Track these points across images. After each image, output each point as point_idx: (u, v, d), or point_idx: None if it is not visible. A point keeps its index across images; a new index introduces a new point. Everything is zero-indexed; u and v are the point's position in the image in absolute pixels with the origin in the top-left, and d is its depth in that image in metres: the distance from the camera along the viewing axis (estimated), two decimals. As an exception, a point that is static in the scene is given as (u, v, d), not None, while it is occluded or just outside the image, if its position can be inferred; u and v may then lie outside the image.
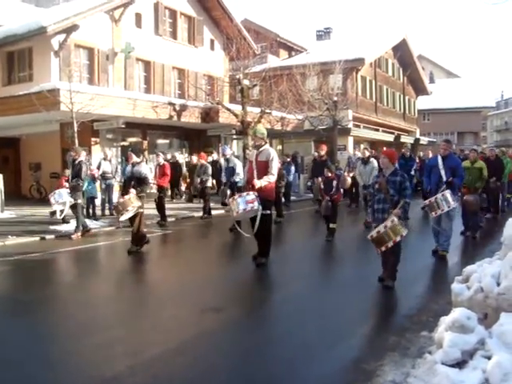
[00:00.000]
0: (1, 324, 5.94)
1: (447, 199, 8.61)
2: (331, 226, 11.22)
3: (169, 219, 14.62)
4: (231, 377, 4.35)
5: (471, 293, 4.92)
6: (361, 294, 6.79)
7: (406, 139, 37.54)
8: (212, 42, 27.91)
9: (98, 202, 15.81)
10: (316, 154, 16.36)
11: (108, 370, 4.46)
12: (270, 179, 8.36)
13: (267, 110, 23.11)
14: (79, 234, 12.08)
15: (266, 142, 8.68)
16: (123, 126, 19.53)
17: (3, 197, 16.18)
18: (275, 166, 8.48)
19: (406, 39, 38.16)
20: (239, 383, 4.22)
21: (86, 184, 15.23)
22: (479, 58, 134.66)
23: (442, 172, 9.04)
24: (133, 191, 9.84)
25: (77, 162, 12.19)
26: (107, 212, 16.05)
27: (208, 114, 22.85)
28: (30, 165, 22.19)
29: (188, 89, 25.25)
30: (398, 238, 6.58)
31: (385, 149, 15.90)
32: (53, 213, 13.89)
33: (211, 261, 9.82)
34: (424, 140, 42.22)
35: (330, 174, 11.49)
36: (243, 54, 23.41)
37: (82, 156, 12.38)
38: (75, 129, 15.54)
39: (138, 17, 23.49)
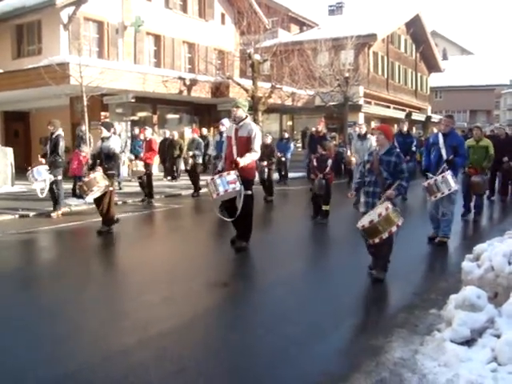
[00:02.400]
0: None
1: (447, 181, 7.93)
2: (324, 207, 10.51)
3: (156, 196, 14.07)
4: (239, 351, 4.37)
5: (482, 271, 4.89)
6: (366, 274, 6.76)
7: (418, 116, 37.26)
8: (223, 15, 27.60)
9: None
10: (314, 129, 15.76)
11: (117, 343, 4.48)
12: (253, 157, 7.71)
13: (278, 86, 22.94)
14: (60, 212, 11.49)
15: (247, 116, 7.85)
16: (133, 101, 19.46)
17: (13, 170, 16.26)
18: (258, 142, 7.74)
19: (419, 15, 37.56)
20: (248, 358, 4.23)
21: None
22: (494, 35, 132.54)
23: (443, 151, 8.29)
24: (99, 169, 9.23)
25: (54, 136, 11.28)
26: (116, 187, 16.07)
27: (218, 89, 22.72)
28: (40, 139, 22.18)
29: (198, 63, 25.05)
30: (394, 229, 5.80)
31: (373, 124, 15.37)
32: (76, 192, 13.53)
33: (210, 238, 9.78)
34: (435, 118, 41.79)
35: (323, 152, 10.74)
36: (254, 29, 23.18)
37: (60, 130, 11.45)
38: (85, 103, 15.48)
39: (149, -11, 23.24)
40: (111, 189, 9.46)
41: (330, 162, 10.65)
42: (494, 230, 9.35)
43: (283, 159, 18.84)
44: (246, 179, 7.51)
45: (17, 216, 11.39)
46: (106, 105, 19.97)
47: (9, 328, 4.88)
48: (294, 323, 4.93)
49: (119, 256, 8.23)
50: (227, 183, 7.20)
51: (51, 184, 11.26)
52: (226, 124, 13.44)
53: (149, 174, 13.55)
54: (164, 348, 4.37)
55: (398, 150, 6.47)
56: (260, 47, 22.96)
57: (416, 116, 36.17)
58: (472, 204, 10.93)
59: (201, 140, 15.46)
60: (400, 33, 37.59)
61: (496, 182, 14.03)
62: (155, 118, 22.97)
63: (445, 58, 56.42)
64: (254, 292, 6.08)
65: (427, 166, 8.70)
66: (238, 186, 7.28)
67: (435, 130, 17.97)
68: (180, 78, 21.23)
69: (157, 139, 15.40)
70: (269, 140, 14.65)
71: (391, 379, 3.73)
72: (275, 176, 19.10)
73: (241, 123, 7.70)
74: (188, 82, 21.55)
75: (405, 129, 14.31)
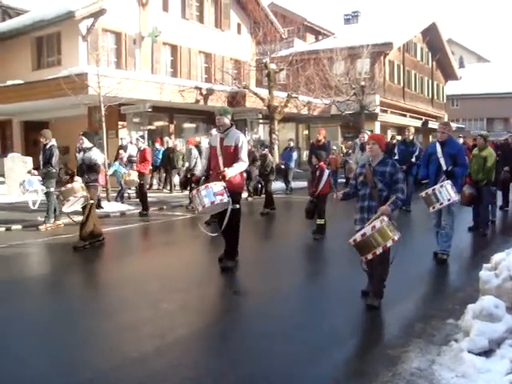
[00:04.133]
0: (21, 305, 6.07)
1: (447, 191, 7.27)
2: (318, 221, 9.72)
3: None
4: (255, 358, 4.39)
5: (500, 281, 4.85)
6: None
7: (434, 125, 37.00)
8: (239, 25, 27.77)
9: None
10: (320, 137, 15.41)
11: (134, 350, 4.53)
12: (241, 167, 7.19)
13: (294, 95, 23.02)
14: (48, 225, 11.04)
15: (232, 124, 7.33)
16: (150, 110, 19.61)
17: (33, 179, 16.45)
18: (245, 151, 7.28)
19: (435, 23, 37.43)
20: (263, 365, 4.24)
21: (113, 169, 15.47)
22: (511, 43, 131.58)
23: (442, 160, 7.71)
24: (78, 179, 8.90)
25: (47, 146, 10.96)
26: (133, 195, 16.30)
27: (234, 98, 22.83)
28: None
29: (215, 73, 25.24)
30: (390, 243, 5.23)
31: (364, 132, 14.55)
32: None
33: (220, 247, 9.78)
34: (452, 126, 41.51)
35: (317, 163, 9.81)
36: (270, 38, 23.33)
37: (53, 140, 11.16)
38: (102, 112, 15.65)
39: (165, 0, 23.51)
40: (92, 202, 9.05)
41: (326, 173, 9.76)
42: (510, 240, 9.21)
43: (282, 167, 18.21)
44: (233, 192, 6.97)
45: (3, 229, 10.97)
46: (124, 114, 20.16)
47: (25, 335, 4.95)
48: (310, 331, 4.95)
49: (131, 265, 8.25)
50: (214, 195, 6.62)
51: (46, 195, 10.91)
52: (141, 140, 13.54)
53: (141, 184, 13.26)
54: (180, 356, 4.41)
55: (392, 160, 6.07)
56: (276, 57, 23.10)
57: (432, 124, 35.93)
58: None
59: (196, 151, 14.46)
60: (416, 41, 37.50)
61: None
62: (172, 127, 23.12)
63: (461, 65, 56.09)
64: (266, 299, 6.08)
65: (424, 175, 8.15)
66: (225, 197, 6.70)
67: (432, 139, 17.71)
68: (196, 88, 21.39)
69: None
70: (265, 151, 14.43)
71: (408, 389, 3.72)
72: (280, 185, 19.04)
73: (226, 132, 7.22)
74: (204, 92, 21.70)
75: (410, 137, 13.41)
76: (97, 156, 9.22)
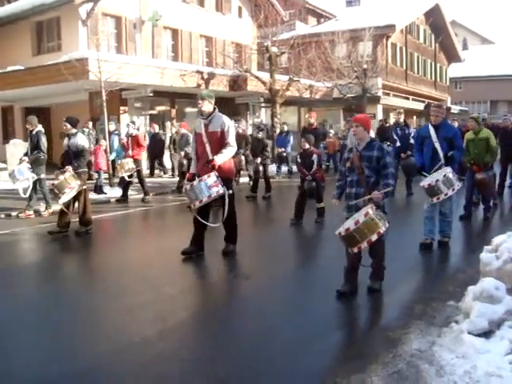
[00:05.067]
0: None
1: (451, 181, 7.01)
2: (318, 205, 9.65)
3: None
4: (255, 341, 4.41)
5: (500, 263, 4.86)
6: (386, 263, 6.73)
7: (437, 108, 36.84)
8: (240, 9, 27.56)
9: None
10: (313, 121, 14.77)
11: (136, 334, 4.56)
12: (229, 152, 6.96)
13: (295, 78, 22.90)
14: (50, 210, 11.01)
15: (215, 108, 7.03)
16: (151, 95, 19.55)
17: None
18: (232, 135, 7.02)
19: (438, 4, 37.06)
20: (264, 348, 4.27)
21: (114, 155, 15.42)
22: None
23: (437, 145, 7.33)
24: (69, 169, 8.72)
25: (34, 133, 10.75)
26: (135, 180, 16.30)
27: (236, 82, 22.73)
28: (60, 134, 22.44)
29: (216, 57, 25.10)
30: (375, 237, 4.99)
31: (391, 116, 14.32)
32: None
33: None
34: (455, 109, 41.34)
35: (307, 146, 9.68)
36: (271, 21, 23.19)
37: (39, 126, 10.96)
38: (104, 98, 15.62)
39: (165, -16, 23.30)
40: (85, 187, 8.99)
41: (315, 157, 9.59)
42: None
43: (284, 154, 17.95)
44: (226, 178, 6.85)
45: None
46: (125, 99, 20.11)
47: (26, 321, 5.00)
48: (310, 314, 4.98)
49: (132, 250, 8.27)
50: (209, 188, 6.49)
51: (34, 183, 10.76)
52: (132, 125, 13.23)
53: (139, 170, 13.07)
54: (181, 339, 4.44)
55: (378, 142, 5.76)
56: (277, 40, 22.96)
57: (435, 107, 35.80)
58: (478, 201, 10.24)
59: (190, 134, 13.68)
60: (419, 23, 37.19)
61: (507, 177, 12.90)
62: (173, 111, 23.05)
63: (465, 47, 55.62)
64: (267, 283, 6.10)
65: (421, 163, 7.64)
66: (221, 188, 6.59)
67: (456, 124, 16.19)
68: (198, 72, 21.28)
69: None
70: (260, 135, 13.95)
71: (408, 370, 3.73)
72: (283, 170, 18.81)
73: (210, 117, 6.95)
74: (206, 76, 21.59)
75: (401, 119, 13.26)
76: (82, 141, 9.00)
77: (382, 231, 5.02)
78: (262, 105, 26.48)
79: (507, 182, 12.87)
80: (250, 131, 27.65)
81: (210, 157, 6.76)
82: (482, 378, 3.54)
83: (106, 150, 14.78)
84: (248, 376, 3.80)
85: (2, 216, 10.96)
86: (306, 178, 9.60)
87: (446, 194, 7.03)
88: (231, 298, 5.68)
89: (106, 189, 14.21)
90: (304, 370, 3.85)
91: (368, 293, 5.42)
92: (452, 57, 43.62)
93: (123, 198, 13.05)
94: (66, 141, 9.12)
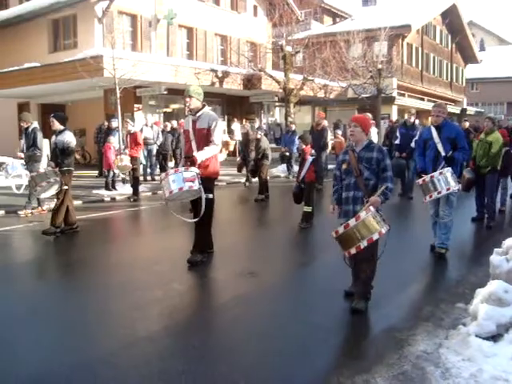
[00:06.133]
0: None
1: (447, 179, 6.61)
2: (305, 209, 9.18)
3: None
4: (263, 339, 4.42)
5: (510, 265, 4.82)
6: (397, 264, 6.69)
7: (453, 109, 36.59)
8: (255, 8, 27.59)
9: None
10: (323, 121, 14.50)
11: (143, 330, 4.59)
12: (212, 151, 6.61)
13: (310, 77, 22.83)
14: (29, 210, 10.51)
15: (204, 105, 6.81)
16: (165, 93, 19.65)
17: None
18: (218, 133, 6.71)
19: (455, 4, 36.76)
20: (273, 346, 4.27)
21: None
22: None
23: (439, 146, 6.97)
24: (51, 164, 8.53)
25: (30, 129, 10.34)
26: (149, 178, 16.41)
27: (250, 81, 22.75)
28: (75, 131, 22.62)
29: (230, 55, 25.11)
30: (376, 237, 4.65)
31: (406, 117, 13.78)
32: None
33: (229, 228, 9.68)
34: (471, 110, 41.00)
35: (304, 146, 9.30)
36: (286, 20, 23.10)
37: (35, 123, 10.60)
38: (118, 95, 15.70)
39: (181, -18, 23.38)
40: (66, 187, 8.56)
41: (309, 160, 9.14)
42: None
43: (287, 154, 16.77)
44: (207, 178, 6.48)
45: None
46: (140, 97, 20.24)
47: (36, 316, 5.04)
48: (318, 312, 4.99)
49: (140, 248, 8.30)
50: (183, 180, 6.10)
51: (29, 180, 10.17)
52: (130, 122, 12.89)
53: (135, 169, 12.85)
54: (188, 336, 4.46)
55: (377, 144, 5.50)
56: (292, 39, 22.87)
57: (451, 109, 35.50)
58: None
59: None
60: (435, 23, 36.92)
61: None
62: (187, 110, 23.07)
63: (482, 48, 55.21)
64: (277, 281, 6.11)
65: (422, 167, 7.25)
66: (196, 185, 6.16)
67: (467, 125, 15.74)
68: (212, 70, 21.33)
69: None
70: (258, 135, 13.30)
71: (413, 372, 3.72)
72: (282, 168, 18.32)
73: (198, 113, 6.70)
74: (220, 74, 21.65)
75: (411, 120, 12.84)
76: (70, 139, 8.61)
77: (383, 231, 4.69)
78: (276, 104, 26.48)
79: None
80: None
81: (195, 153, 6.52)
82: (488, 382, 3.52)
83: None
84: (252, 375, 3.80)
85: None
86: (298, 181, 9.28)
87: (439, 193, 6.62)
88: (240, 295, 5.66)
89: (119, 185, 14.27)
90: (308, 370, 3.84)
91: (351, 314, 4.90)
92: (469, 58, 43.25)
93: (135, 197, 12.87)
94: (53, 138, 8.83)
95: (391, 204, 11.75)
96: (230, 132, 23.90)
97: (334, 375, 3.73)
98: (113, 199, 13.05)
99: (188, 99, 6.67)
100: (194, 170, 6.22)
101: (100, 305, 5.30)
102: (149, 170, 16.72)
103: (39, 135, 10.39)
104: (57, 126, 8.69)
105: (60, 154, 8.58)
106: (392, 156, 12.13)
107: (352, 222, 4.66)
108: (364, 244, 4.62)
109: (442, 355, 3.95)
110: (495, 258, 5.06)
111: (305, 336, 4.44)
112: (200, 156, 6.41)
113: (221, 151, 15.93)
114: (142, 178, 15.90)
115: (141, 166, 14.92)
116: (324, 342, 4.31)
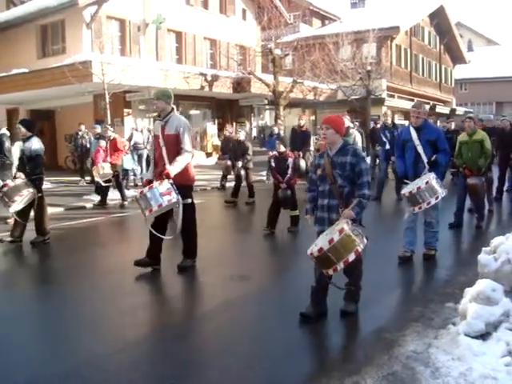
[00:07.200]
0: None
1: (433, 188, 6.41)
2: (292, 213, 8.99)
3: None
4: (257, 342, 4.41)
5: (498, 264, 4.86)
6: (385, 265, 6.71)
7: (442, 109, 36.78)
8: (244, 11, 27.62)
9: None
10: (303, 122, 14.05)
11: (132, 334, 4.58)
12: (185, 160, 6.27)
13: (299, 80, 22.88)
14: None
15: (173, 108, 6.41)
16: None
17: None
18: (188, 139, 6.32)
19: (443, 6, 36.93)
20: (266, 349, 4.27)
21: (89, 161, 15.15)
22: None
23: (420, 148, 6.71)
24: (21, 175, 8.16)
25: None
26: (139, 183, 16.35)
27: (240, 84, 22.76)
28: (65, 136, 22.55)
29: (220, 59, 25.14)
30: (352, 256, 4.41)
31: (396, 117, 13.63)
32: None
33: (224, 233, 9.81)
34: (460, 110, 41.20)
35: (282, 149, 8.94)
36: (275, 24, 23.17)
37: (3, 129, 10.28)
38: (107, 100, 15.67)
39: (169, -13, 23.38)
40: (40, 195, 8.29)
41: (290, 161, 8.86)
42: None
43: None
44: (182, 186, 6.22)
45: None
46: (129, 102, 20.19)
47: (24, 322, 5.02)
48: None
49: (131, 252, 8.25)
50: (160, 195, 5.92)
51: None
52: (97, 128, 12.80)
53: (117, 175, 12.67)
54: (177, 340, 4.45)
55: (353, 146, 5.04)
56: (281, 42, 22.94)
57: (440, 109, 35.67)
58: (471, 208, 9.73)
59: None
60: (423, 25, 37.11)
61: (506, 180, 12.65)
62: (155, 114, 23.04)
63: (470, 49, 55.49)
64: (264, 284, 6.11)
65: (403, 171, 7.03)
66: (174, 196, 5.99)
67: (453, 126, 15.25)
68: (201, 74, 21.33)
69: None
70: (242, 136, 13.07)
71: (403, 372, 3.73)
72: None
73: (167, 118, 6.34)
74: (209, 78, 21.65)
75: (389, 121, 12.50)
76: (36, 146, 8.19)
77: (360, 249, 4.45)
78: (266, 107, 26.50)
79: (505, 187, 12.63)
80: (254, 133, 27.87)
81: (166, 162, 6.19)
82: (477, 380, 3.54)
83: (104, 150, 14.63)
84: (241, 379, 3.80)
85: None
86: (281, 186, 8.82)
87: (428, 203, 6.40)
88: (229, 299, 5.66)
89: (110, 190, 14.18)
90: (298, 373, 3.84)
91: (341, 317, 4.83)
92: (457, 58, 43.50)
93: (102, 204, 12.71)
94: (20, 145, 8.46)
95: (378, 205, 11.84)
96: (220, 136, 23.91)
97: (323, 377, 3.73)
98: (101, 205, 12.83)
99: (156, 102, 6.40)
100: (168, 182, 6.01)
101: (89, 309, 5.28)
102: (139, 176, 16.65)
103: (7, 142, 10.03)
104: (24, 132, 8.27)
105: (27, 162, 8.20)
106: (376, 164, 11.98)
107: (326, 245, 4.38)
108: (341, 266, 4.42)
109: (432, 355, 3.97)
110: (483, 257, 5.09)
111: (294, 339, 4.44)
112: (173, 170, 6.11)
113: (211, 155, 15.86)
114: (132, 184, 15.88)
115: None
116: (313, 345, 4.32)
